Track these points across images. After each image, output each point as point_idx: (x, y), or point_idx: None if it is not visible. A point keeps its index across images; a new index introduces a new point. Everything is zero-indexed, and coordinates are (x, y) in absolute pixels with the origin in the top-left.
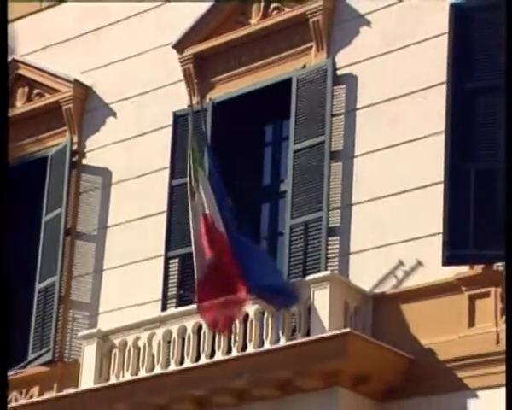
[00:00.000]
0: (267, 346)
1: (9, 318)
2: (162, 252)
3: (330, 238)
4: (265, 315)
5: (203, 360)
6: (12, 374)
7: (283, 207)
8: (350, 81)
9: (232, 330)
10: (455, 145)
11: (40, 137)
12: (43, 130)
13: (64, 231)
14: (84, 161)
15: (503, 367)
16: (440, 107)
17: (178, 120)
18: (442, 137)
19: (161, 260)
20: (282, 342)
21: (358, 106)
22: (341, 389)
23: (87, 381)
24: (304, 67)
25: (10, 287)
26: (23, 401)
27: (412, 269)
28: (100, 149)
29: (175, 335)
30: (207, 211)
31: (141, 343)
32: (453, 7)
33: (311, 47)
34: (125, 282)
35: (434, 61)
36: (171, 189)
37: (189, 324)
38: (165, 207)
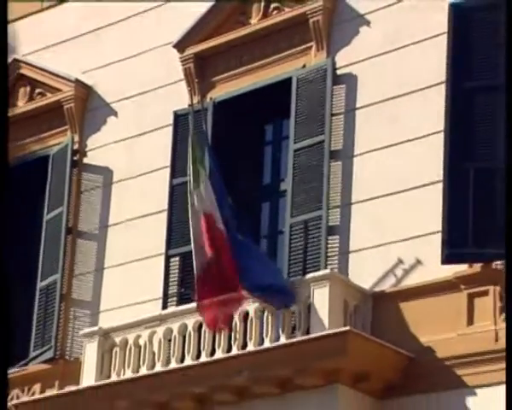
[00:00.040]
0: (267, 344)
1: (9, 317)
2: (163, 250)
3: (330, 237)
4: (265, 313)
5: (203, 358)
6: (14, 372)
7: (283, 206)
8: (349, 81)
9: (230, 327)
10: (454, 144)
11: (42, 136)
12: (44, 129)
13: (65, 230)
14: (86, 160)
15: (501, 365)
16: (439, 106)
17: (179, 119)
18: (441, 137)
19: (162, 259)
20: (282, 340)
21: (358, 105)
22: (341, 387)
23: (88, 378)
24: (304, 66)
25: (10, 286)
26: (25, 399)
27: (411, 267)
28: (101, 148)
29: (175, 333)
30: (208, 210)
31: (142, 341)
32: (452, 7)
33: (311, 47)
34: (126, 280)
35: (434, 60)
36: (172, 188)
37: (190, 322)
38: (165, 205)
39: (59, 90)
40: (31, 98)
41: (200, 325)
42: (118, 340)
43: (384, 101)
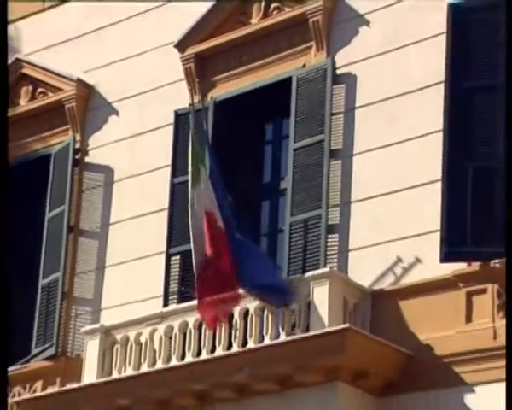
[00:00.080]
0: (267, 341)
1: (9, 317)
2: (164, 249)
3: (329, 235)
4: (265, 311)
5: (204, 356)
6: (15, 369)
7: (283, 205)
8: (349, 80)
9: (230, 323)
10: (453, 144)
11: (43, 135)
12: (46, 128)
13: (67, 228)
14: (87, 159)
15: (499, 362)
16: (439, 106)
17: (180, 118)
18: (440, 136)
19: (163, 257)
20: (282, 337)
21: (357, 105)
22: (341, 384)
23: (89, 375)
24: (304, 66)
25: (12, 285)
26: (26, 396)
27: (410, 266)
28: (102, 148)
29: (176, 330)
30: (209, 208)
31: (143, 339)
32: (451, 7)
33: (311, 46)
34: (127, 278)
35: (433, 60)
36: (173, 186)
37: (191, 319)
38: (166, 204)
39: (61, 89)
40: (33, 97)
41: (201, 323)
42: (119, 337)
43: (383, 100)
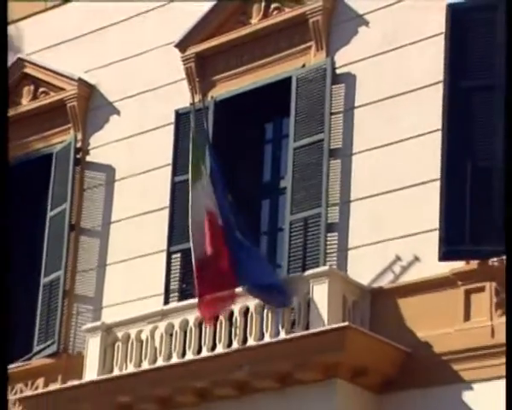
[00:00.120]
0: (267, 339)
1: (9, 316)
2: (164, 247)
3: (329, 234)
4: (265, 309)
5: (204, 353)
6: (17, 366)
7: (283, 204)
8: (348, 80)
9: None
10: (451, 143)
11: (45, 134)
12: (47, 127)
13: (68, 227)
14: (88, 158)
15: (497, 360)
16: (437, 105)
17: (180, 117)
18: (439, 135)
19: (164, 255)
20: (282, 335)
21: (357, 104)
22: (340, 381)
23: (91, 373)
24: (303, 66)
25: (14, 283)
26: (28, 393)
27: (409, 264)
28: (103, 147)
29: (177, 328)
30: (209, 207)
31: (143, 336)
32: (450, 7)
33: (311, 46)
34: (128, 276)
35: (432, 60)
36: (174, 185)
37: (191, 317)
38: (167, 203)
39: (62, 89)
40: (34, 97)
41: (201, 321)
42: (120, 335)
43: (382, 100)
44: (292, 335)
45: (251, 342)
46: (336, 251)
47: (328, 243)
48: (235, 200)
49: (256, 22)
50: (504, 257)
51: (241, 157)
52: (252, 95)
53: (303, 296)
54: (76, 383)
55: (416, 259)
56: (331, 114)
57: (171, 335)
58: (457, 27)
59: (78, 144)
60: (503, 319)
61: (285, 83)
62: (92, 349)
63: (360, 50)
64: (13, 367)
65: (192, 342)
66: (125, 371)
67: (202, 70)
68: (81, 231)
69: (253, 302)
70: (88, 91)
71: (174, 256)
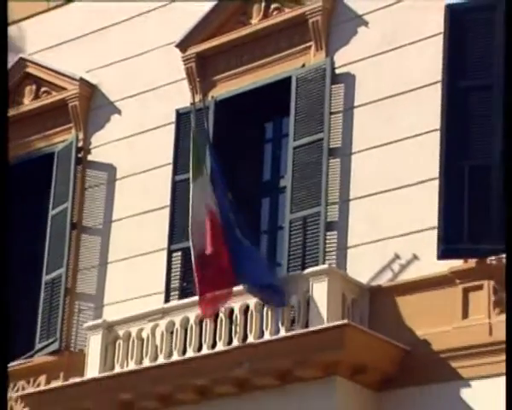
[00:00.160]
0: (267, 337)
1: (9, 314)
2: (165, 245)
3: (328, 233)
4: (265, 307)
5: (205, 351)
6: (20, 363)
7: (283, 202)
8: (348, 80)
9: (231, 318)
10: (450, 142)
11: (47, 133)
12: (49, 126)
13: (70, 225)
14: (90, 157)
15: (495, 358)
16: (436, 105)
17: (181, 117)
18: (437, 135)
19: (164, 254)
20: (282, 333)
21: (356, 104)
22: (339, 379)
23: (92, 370)
24: (303, 66)
25: (15, 281)
26: (30, 390)
27: (408, 263)
28: (105, 146)
29: (178, 326)
30: (210, 206)
31: (144, 334)
32: (448, 8)
33: (311, 46)
34: (130, 274)
35: (430, 60)
36: (174, 184)
37: (192, 315)
38: (168, 201)
39: (64, 88)
40: (36, 96)
41: (202, 319)
42: (121, 333)
43: (381, 100)
44: (292, 333)
45: (251, 339)
46: (335, 249)
47: (328, 241)
48: (236, 199)
49: (256, 22)
50: (502, 255)
51: (241, 156)
52: (252, 95)
53: (303, 294)
54: (78, 380)
55: (415, 257)
56: (331, 113)
57: (172, 333)
58: (456, 27)
59: (80, 143)
60: (501, 317)
61: (285, 83)
62: (94, 347)
63: (359, 50)
64: (15, 365)
65: (192, 340)
66: (126, 369)
67: (203, 70)
68: (82, 229)
69: (253, 300)
70: (89, 91)
71: (175, 255)
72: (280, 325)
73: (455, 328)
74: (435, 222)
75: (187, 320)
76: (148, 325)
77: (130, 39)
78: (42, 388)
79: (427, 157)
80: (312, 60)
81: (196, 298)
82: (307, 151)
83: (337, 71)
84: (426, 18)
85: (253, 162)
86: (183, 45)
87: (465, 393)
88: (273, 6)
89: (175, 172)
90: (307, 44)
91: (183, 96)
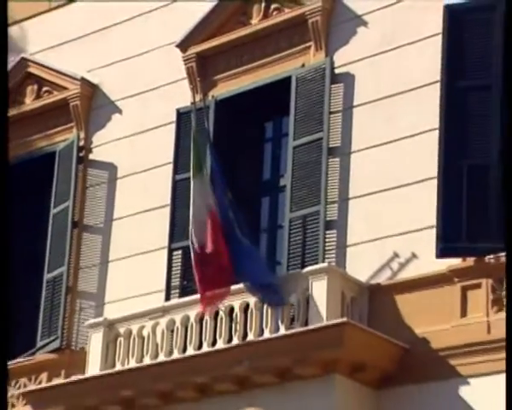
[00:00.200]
0: (267, 335)
1: (10, 313)
2: (166, 244)
3: (328, 231)
4: (265, 305)
5: (205, 348)
6: (21, 361)
7: (283, 201)
8: (347, 80)
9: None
10: (448, 142)
11: (48, 132)
12: (51, 126)
13: (71, 224)
14: (91, 157)
15: (493, 355)
16: (435, 105)
17: (182, 116)
18: (436, 134)
19: (165, 252)
20: (282, 331)
21: (355, 104)
22: (338, 377)
23: (93, 368)
24: (303, 66)
25: (16, 279)
26: (32, 387)
27: (407, 261)
28: (106, 145)
29: (178, 324)
30: (210, 205)
31: (145, 332)
32: (447, 8)
33: (310, 46)
34: (130, 273)
35: (429, 60)
36: (175, 183)
37: (192, 313)
38: (168, 200)
39: (65, 88)
40: (38, 96)
41: (202, 317)
42: (122, 330)
43: (381, 99)
44: (291, 331)
45: (251, 337)
46: (335, 248)
47: (327, 240)
48: (236, 198)
49: (256, 23)
50: (500, 254)
51: (241, 156)
52: (252, 94)
53: (302, 293)
54: (79, 377)
55: (414, 256)
56: (330, 113)
57: (173, 331)
58: (455, 28)
59: (81, 143)
60: (499, 315)
61: (285, 82)
62: (95, 345)
63: (359, 50)
64: (16, 362)
65: (193, 338)
66: (127, 367)
67: (203, 70)
68: (84, 228)
69: (253, 299)
70: (90, 91)
71: (175, 253)
72: (280, 323)
73: (453, 326)
74: (434, 221)
75: (187, 318)
76: (148, 323)
77: (131, 39)
78: (43, 385)
79: (425, 156)
80: (312, 60)
81: (197, 296)
82: (307, 150)
83: (336, 71)
84: (425, 18)
85: (252, 161)
86: (183, 45)
87: (464, 391)
88: (273, 6)
89: (175, 171)
90: (307, 44)
91: (184, 96)
